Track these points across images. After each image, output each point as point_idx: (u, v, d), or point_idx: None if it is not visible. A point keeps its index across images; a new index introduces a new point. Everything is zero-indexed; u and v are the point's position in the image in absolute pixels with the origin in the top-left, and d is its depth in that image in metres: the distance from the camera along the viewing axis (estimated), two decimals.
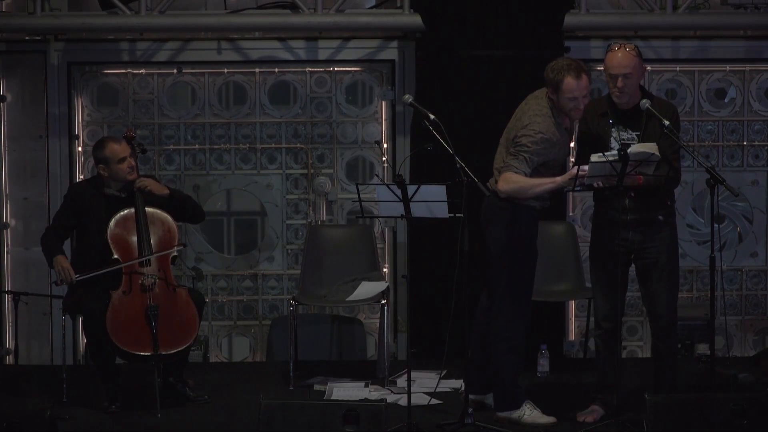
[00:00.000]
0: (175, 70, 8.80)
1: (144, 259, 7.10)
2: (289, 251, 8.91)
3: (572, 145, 7.03)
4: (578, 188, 6.47)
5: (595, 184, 6.46)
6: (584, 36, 8.62)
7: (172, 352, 7.00)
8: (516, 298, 6.71)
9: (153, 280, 7.06)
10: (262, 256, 8.92)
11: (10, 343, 8.71)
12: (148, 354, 6.92)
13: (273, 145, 8.86)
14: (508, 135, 6.71)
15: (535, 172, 6.58)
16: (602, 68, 6.70)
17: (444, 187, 6.46)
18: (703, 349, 8.28)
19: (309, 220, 8.84)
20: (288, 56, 8.74)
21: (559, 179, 6.53)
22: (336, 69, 8.82)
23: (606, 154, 6.37)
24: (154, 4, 8.41)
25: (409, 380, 6.60)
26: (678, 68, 8.83)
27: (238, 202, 9.02)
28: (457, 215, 6.47)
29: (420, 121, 6.66)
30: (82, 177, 8.69)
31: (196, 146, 8.84)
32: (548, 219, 7.57)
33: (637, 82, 6.59)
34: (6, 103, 8.76)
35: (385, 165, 8.67)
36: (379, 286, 7.96)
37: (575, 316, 8.81)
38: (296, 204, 8.90)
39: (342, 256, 8.29)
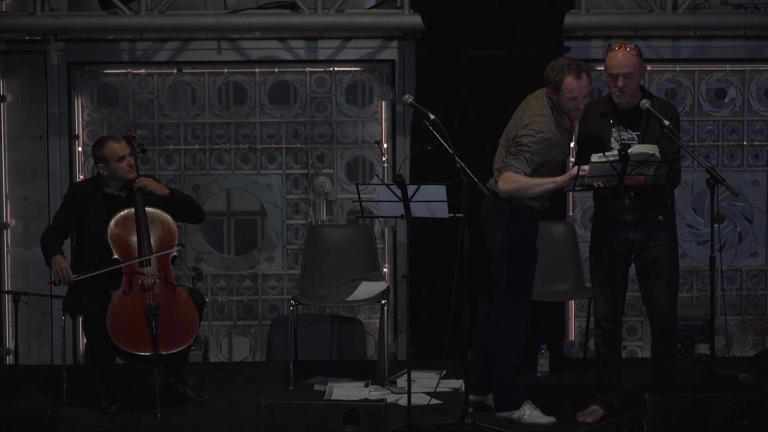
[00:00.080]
0: (175, 70, 8.80)
1: (144, 258, 7.09)
2: (289, 251, 8.90)
3: (572, 145, 7.02)
4: (578, 188, 6.46)
5: (595, 184, 6.46)
6: (584, 36, 8.61)
7: (172, 352, 6.99)
8: (516, 299, 6.70)
9: (153, 280, 7.06)
10: (262, 256, 8.91)
11: (10, 343, 8.71)
12: (148, 354, 6.91)
13: (273, 145, 8.85)
14: (508, 135, 6.71)
15: (535, 172, 6.58)
16: (602, 68, 6.70)
17: (444, 187, 6.45)
18: (703, 349, 8.27)
19: (309, 220, 8.83)
20: (288, 56, 8.74)
21: (559, 179, 6.52)
22: (336, 69, 8.81)
23: (606, 154, 6.37)
24: (154, 4, 8.40)
25: (409, 380, 6.60)
26: (678, 68, 8.83)
27: (238, 202, 9.01)
28: (457, 215, 6.46)
29: (420, 121, 6.65)
30: (82, 177, 8.68)
31: (196, 146, 8.83)
32: (548, 219, 7.57)
33: (638, 82, 6.58)
34: (6, 103, 8.75)
35: (385, 165, 8.66)
36: (379, 286, 7.95)
37: (575, 316, 8.81)
38: (296, 204, 8.89)
39: (342, 256, 8.29)
